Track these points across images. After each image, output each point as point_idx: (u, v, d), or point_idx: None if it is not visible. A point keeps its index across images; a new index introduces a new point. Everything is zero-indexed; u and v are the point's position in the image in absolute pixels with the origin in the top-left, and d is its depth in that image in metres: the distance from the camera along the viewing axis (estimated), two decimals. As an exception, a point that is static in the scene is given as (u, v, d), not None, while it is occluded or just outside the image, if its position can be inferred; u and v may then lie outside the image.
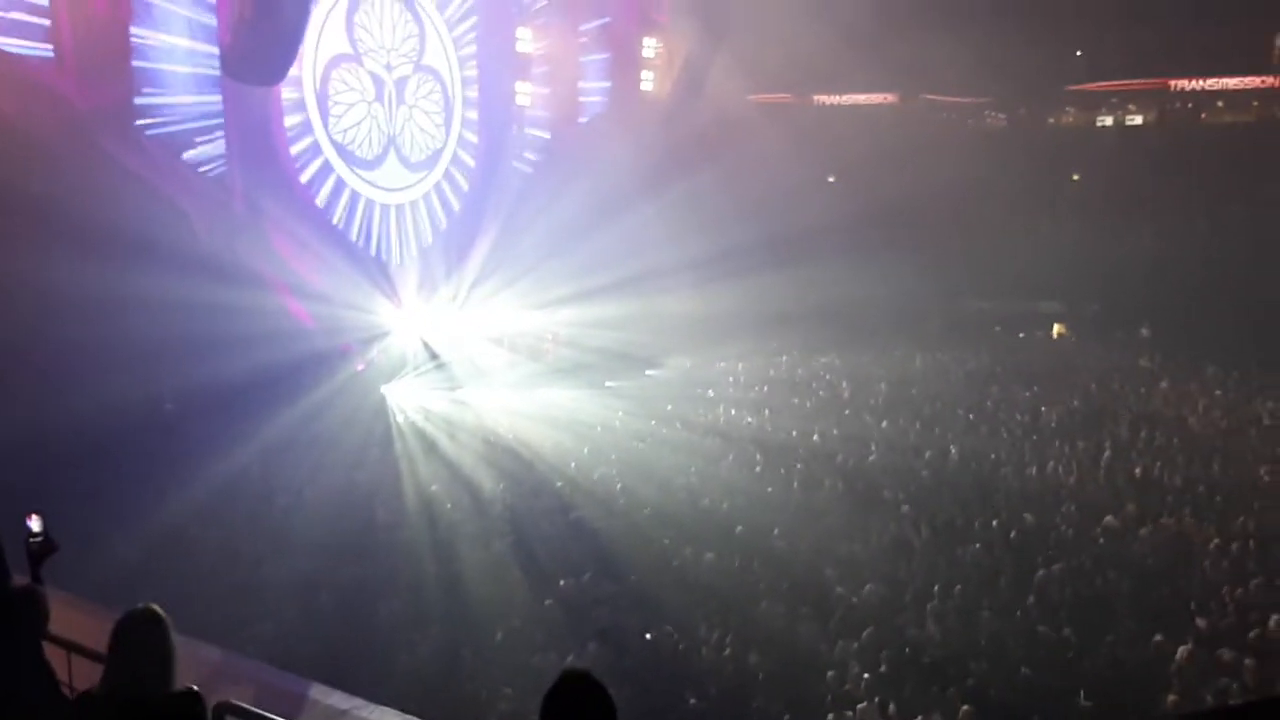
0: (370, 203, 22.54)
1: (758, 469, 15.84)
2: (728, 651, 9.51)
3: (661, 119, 28.52)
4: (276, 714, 4.33)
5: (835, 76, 34.26)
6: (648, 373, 24.35)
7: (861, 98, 36.85)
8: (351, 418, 18.10)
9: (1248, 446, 16.70)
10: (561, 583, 11.09)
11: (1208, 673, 8.82)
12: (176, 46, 17.93)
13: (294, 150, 20.65)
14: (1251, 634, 9.62)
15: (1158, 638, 9.38)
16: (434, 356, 22.42)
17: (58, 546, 4.31)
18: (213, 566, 10.74)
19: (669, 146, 26.71)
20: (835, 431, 18.06)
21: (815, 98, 36.43)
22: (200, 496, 12.72)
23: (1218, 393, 20.62)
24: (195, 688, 3.64)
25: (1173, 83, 34.53)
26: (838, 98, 36.96)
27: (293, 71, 19.58)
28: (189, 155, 18.20)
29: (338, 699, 6.53)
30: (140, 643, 3.53)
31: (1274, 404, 19.53)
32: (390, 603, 10.57)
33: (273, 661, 7.56)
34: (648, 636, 9.80)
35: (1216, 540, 12.07)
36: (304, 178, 20.90)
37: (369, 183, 22.47)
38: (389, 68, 22.54)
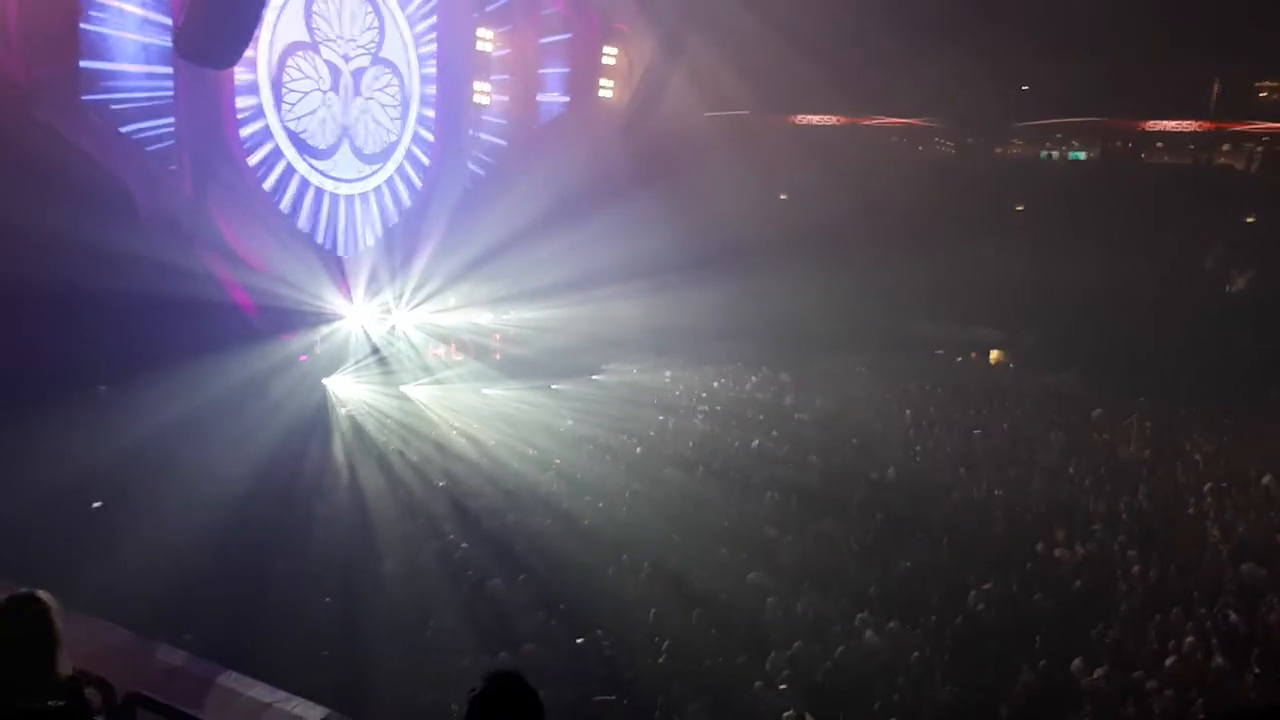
0: (321, 192, 22.24)
1: (698, 477, 15.93)
2: (662, 659, 9.55)
3: (618, 126, 28.60)
4: (195, 705, 4.26)
5: (791, 95, 34.66)
6: (594, 377, 24.35)
7: (815, 118, 37.35)
8: (292, 409, 17.84)
9: (1174, 477, 17.20)
10: (496, 581, 11.04)
11: (1123, 696, 9.08)
12: (126, 22, 17.54)
13: (245, 134, 20.29)
14: (1168, 660, 9.92)
15: (1077, 661, 9.63)
16: (378, 351, 22.18)
17: None
18: (139, 555, 10.47)
19: (624, 154, 26.80)
20: (777, 445, 18.23)
21: (771, 115, 36.80)
22: (131, 484, 12.44)
23: (1147, 423, 21.21)
24: (74, 674, 3.52)
25: (1115, 122, 35.60)
26: (793, 116, 37.40)
27: (247, 55, 19.24)
28: (136, 134, 17.79)
29: (260, 691, 6.43)
30: (21, 633, 3.41)
31: (1200, 436, 20.14)
32: (320, 597, 10.43)
33: (197, 652, 7.40)
34: (579, 641, 9.80)
35: (1139, 566, 12.43)
36: (253, 162, 20.54)
37: (321, 172, 22.17)
38: (346, 58, 22.29)
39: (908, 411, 21.19)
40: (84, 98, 16.85)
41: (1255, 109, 34.71)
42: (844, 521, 13.77)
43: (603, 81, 30.04)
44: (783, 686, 9.03)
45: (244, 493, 13.21)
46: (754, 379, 24.86)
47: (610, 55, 30.05)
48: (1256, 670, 9.69)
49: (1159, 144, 36.39)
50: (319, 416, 18.43)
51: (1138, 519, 14.63)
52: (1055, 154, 37.49)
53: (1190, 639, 10.32)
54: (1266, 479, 17.05)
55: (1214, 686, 9.41)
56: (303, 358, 20.50)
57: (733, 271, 25.68)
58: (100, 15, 17.12)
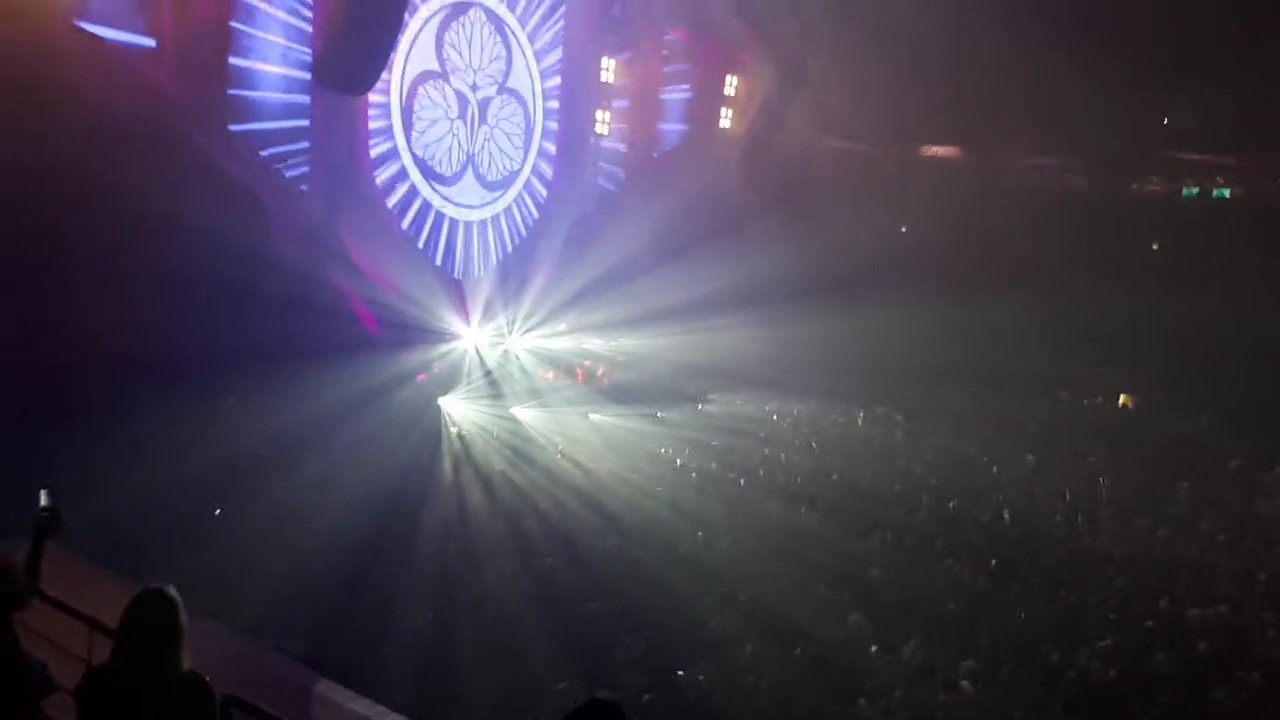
0: (443, 217, 22.95)
1: (802, 513, 15.66)
2: (756, 698, 9.38)
3: (736, 156, 28.61)
4: (291, 712, 4.38)
5: (914, 126, 34.02)
6: (699, 407, 24.26)
7: (939, 149, 36.53)
8: (408, 426, 18.35)
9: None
10: (593, 605, 11.07)
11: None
12: (272, 48, 18.53)
13: (375, 158, 21.16)
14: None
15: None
16: (490, 373, 22.65)
17: (62, 522, 4.39)
18: (254, 560, 10.89)
19: (741, 183, 26.77)
20: (886, 484, 17.77)
21: (893, 146, 36.21)
22: (254, 490, 12.97)
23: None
24: (205, 676, 3.70)
25: (1259, 158, 33.66)
26: (916, 147, 36.68)
27: (380, 83, 20.10)
28: (272, 154, 18.73)
29: (361, 705, 6.57)
30: (152, 622, 3.61)
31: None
32: (423, 610, 10.63)
33: (300, 659, 7.64)
34: (679, 673, 9.72)
35: (1275, 631, 11.61)
36: (382, 185, 21.38)
37: (445, 198, 22.89)
38: (474, 87, 23.01)
39: (1030, 456, 20.36)
40: (230, 126, 17.83)
41: None
42: (953, 566, 13.30)
43: (723, 111, 30.15)
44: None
45: (359, 503, 13.62)
46: (865, 414, 24.32)
47: (730, 85, 30.15)
48: None
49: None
50: (432, 433, 18.90)
51: (1277, 580, 13.67)
52: (1197, 190, 35.61)
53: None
54: None
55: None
56: (420, 376, 21.10)
57: (848, 304, 25.28)
58: (247, 44, 18.12)
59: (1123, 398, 28.26)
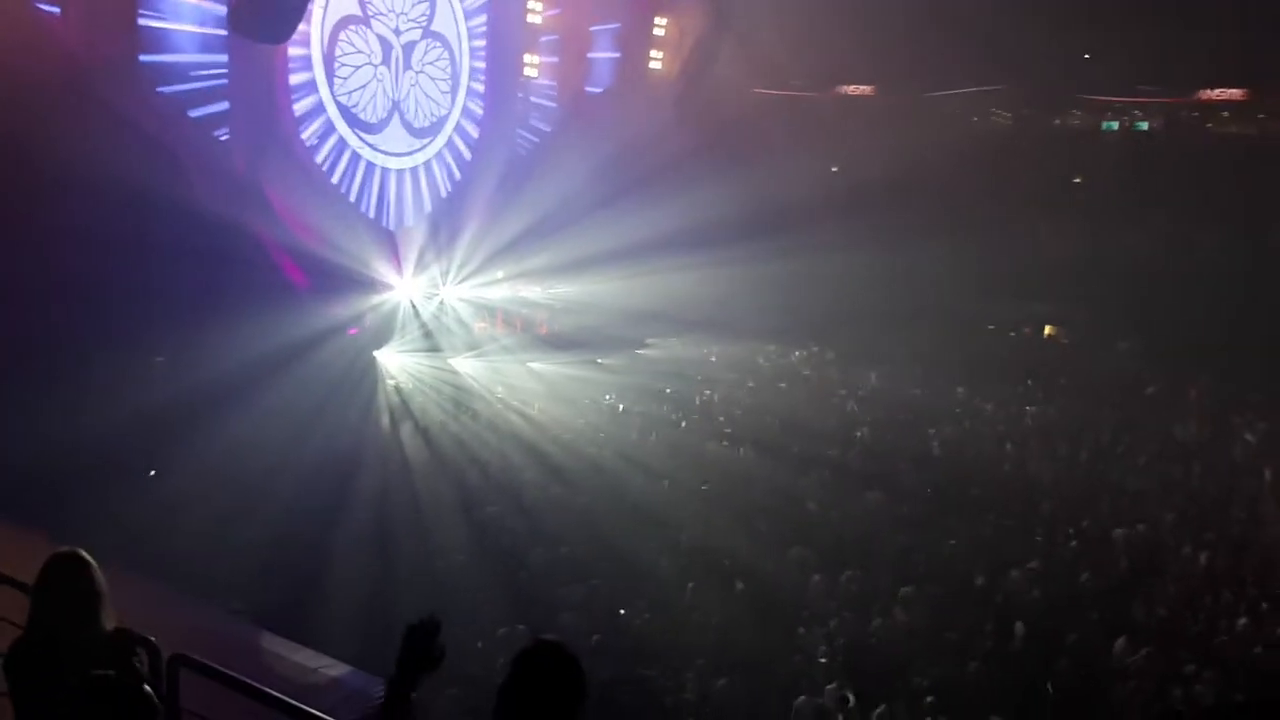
0: (372, 166, 22.46)
1: (742, 452, 15.95)
2: (699, 634, 9.61)
3: (667, 99, 28.40)
4: (240, 669, 4.41)
5: (844, 66, 34.06)
6: (639, 352, 24.41)
7: (868, 89, 36.66)
8: (341, 380, 18.16)
9: (1229, 457, 16.83)
10: (538, 553, 11.19)
11: (1166, 678, 8.96)
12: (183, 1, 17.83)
13: (297, 110, 20.55)
14: (1216, 641, 9.78)
15: (1120, 640, 9.51)
16: (427, 324, 22.45)
17: None
18: (189, 520, 10.78)
19: (673, 127, 26.62)
20: (822, 420, 18.15)
21: (823, 87, 36.25)
22: (182, 451, 12.77)
23: (1204, 402, 20.73)
24: (120, 628, 3.68)
25: (1180, 94, 34.45)
26: (846, 88, 36.77)
27: (299, 31, 19.46)
28: (191, 111, 18.11)
29: (304, 656, 6.62)
30: (66, 586, 3.59)
31: (1255, 417, 19.63)
32: (362, 565, 10.64)
33: (244, 617, 7.64)
34: (620, 613, 9.91)
35: (1190, 547, 12.21)
36: (305, 135, 20.80)
37: (371, 146, 22.39)
38: (397, 31, 22.41)
39: (959, 389, 20.93)
40: (143, 80, 17.15)
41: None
42: (889, 497, 13.70)
43: (652, 53, 29.82)
44: (822, 660, 9.06)
45: (293, 462, 13.50)
46: (801, 354, 24.73)
47: (660, 26, 29.79)
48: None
49: (1226, 114, 35.13)
50: (368, 388, 18.74)
51: (1190, 499, 14.36)
52: (1117, 125, 36.36)
53: (1243, 620, 10.16)
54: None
55: (1263, 669, 9.26)
56: (352, 330, 20.82)
57: (781, 246, 25.46)
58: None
59: (1048, 329, 29.14)
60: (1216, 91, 34.17)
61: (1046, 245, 28.12)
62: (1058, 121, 36.96)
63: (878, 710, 8.21)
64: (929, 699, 8.37)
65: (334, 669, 6.82)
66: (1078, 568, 11.42)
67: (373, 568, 10.60)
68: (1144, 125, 35.92)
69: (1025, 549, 11.91)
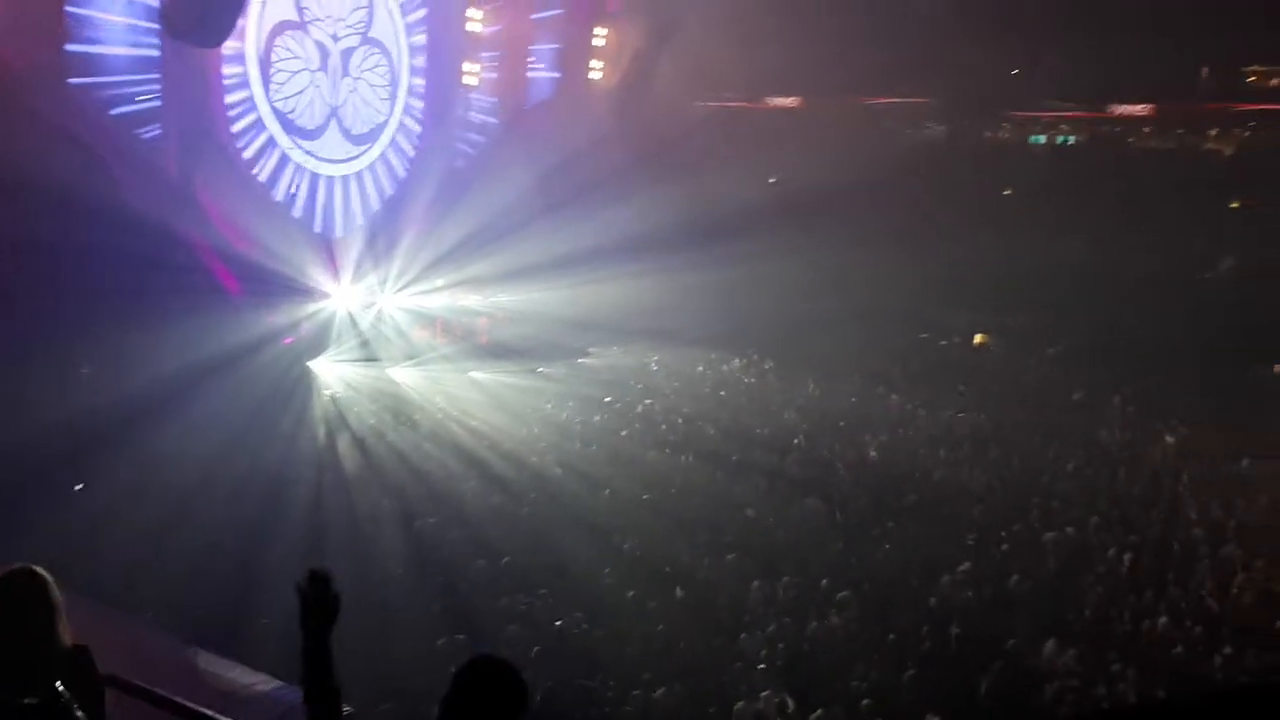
0: (308, 173, 22.18)
1: (682, 461, 16.05)
2: (639, 641, 9.66)
3: (608, 108, 28.52)
4: (169, 687, 4.34)
5: (782, 78, 34.52)
6: (580, 361, 24.41)
7: (801, 101, 37.23)
8: (275, 391, 17.85)
9: (1152, 460, 17.38)
10: (480, 564, 11.14)
11: (1093, 677, 9.24)
12: (113, 3, 17.43)
13: (231, 113, 20.23)
14: (1141, 641, 10.11)
15: (1050, 643, 9.77)
16: (365, 333, 22.18)
17: None
18: (120, 536, 10.53)
19: (614, 136, 26.73)
20: (761, 428, 18.35)
21: (762, 97, 36.71)
22: (110, 463, 12.46)
23: (1128, 407, 21.39)
24: (77, 645, 3.62)
25: (1105, 107, 35.62)
26: (783, 99, 37.26)
27: (235, 35, 19.16)
28: (122, 114, 17.71)
29: (239, 673, 6.51)
30: (22, 604, 3.51)
31: (1180, 420, 20.31)
32: (300, 578, 10.45)
33: (176, 633, 7.48)
34: (557, 624, 9.90)
35: (1114, 549, 12.59)
36: (239, 142, 20.48)
37: (308, 153, 22.11)
38: (335, 38, 22.17)
39: (893, 396, 21.32)
40: (70, 81, 16.73)
41: (1242, 93, 34.77)
42: (826, 503, 13.90)
43: (592, 63, 29.92)
44: (761, 666, 9.15)
45: (225, 474, 13.25)
46: (739, 363, 24.95)
47: (600, 36, 29.91)
48: (1227, 650, 9.85)
49: (1146, 129, 36.42)
50: (303, 399, 18.45)
51: (1115, 502, 14.80)
52: (1044, 138, 37.48)
53: (1164, 620, 10.50)
54: (1245, 462, 17.27)
55: (1184, 667, 9.58)
56: (287, 339, 20.50)
57: (720, 255, 25.68)
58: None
59: (978, 337, 29.81)
60: (1138, 106, 35.37)
61: (977, 255, 28.76)
62: (987, 134, 37.95)
63: (815, 714, 8.32)
64: (865, 702, 8.51)
65: (267, 684, 6.71)
66: (1009, 570, 11.69)
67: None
68: (1069, 138, 37.07)
69: (958, 553, 12.16)
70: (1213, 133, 35.66)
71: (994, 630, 10.08)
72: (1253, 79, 35.30)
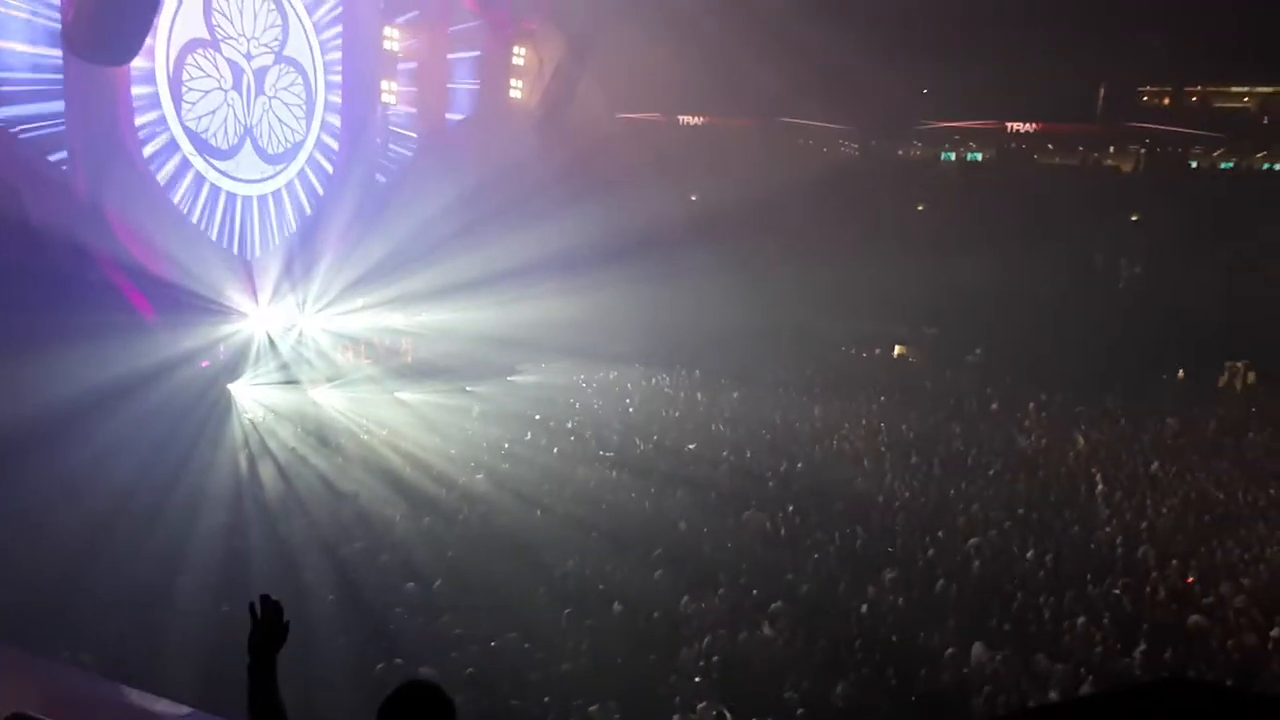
0: (224, 193, 21.67)
1: (612, 477, 16.05)
2: (575, 660, 9.60)
3: (528, 127, 28.56)
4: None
5: (702, 97, 35.01)
6: (509, 379, 24.28)
7: (724, 120, 37.82)
8: (194, 417, 17.37)
9: (1066, 464, 17.98)
10: (410, 587, 10.96)
11: (1019, 677, 9.48)
12: (12, 25, 16.85)
13: (141, 133, 19.67)
14: (1064, 639, 10.41)
15: (978, 646, 10.01)
16: (285, 355, 21.71)
17: None
18: (26, 566, 10.09)
19: (535, 155, 26.76)
20: (689, 442, 18.46)
21: (681, 116, 37.15)
22: (16, 490, 11.95)
23: (1042, 414, 22.12)
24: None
25: (1010, 125, 36.94)
26: (703, 117, 37.78)
27: (144, 53, 18.68)
28: (29, 138, 17.10)
29: (164, 705, 6.28)
30: None
31: (1091, 425, 21.10)
32: (229, 611, 10.17)
33: (93, 668, 7.19)
34: (493, 644, 9.79)
35: (1034, 552, 12.98)
36: (151, 162, 19.93)
37: (222, 172, 21.61)
38: (249, 56, 21.76)
39: (817, 408, 21.67)
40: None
41: (1138, 112, 36.47)
42: (754, 516, 14.03)
43: (512, 81, 29.95)
44: (696, 679, 9.18)
45: (141, 502, 12.83)
46: (669, 378, 25.11)
47: (519, 55, 29.97)
48: (1144, 646, 10.20)
49: (1050, 146, 37.89)
50: (222, 423, 17.96)
51: (1033, 506, 15.26)
52: (954, 155, 38.72)
53: (1082, 619, 10.83)
54: (1154, 465, 18.00)
55: (1104, 663, 9.89)
56: (204, 363, 19.96)
57: (645, 271, 25.88)
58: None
59: (898, 349, 30.56)
60: (1042, 125, 36.76)
61: (893, 269, 29.49)
62: (900, 152, 39.03)
63: (751, 726, 8.37)
64: (799, 711, 8.59)
65: (190, 716, 6.49)
66: (934, 576, 11.94)
67: (229, 610, 10.14)
68: (978, 155, 38.35)
69: (885, 560, 12.39)
70: (1111, 149, 37.29)
71: (922, 635, 10.28)
72: (1147, 98, 37.05)
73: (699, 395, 23.06)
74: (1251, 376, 27.71)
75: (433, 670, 9.06)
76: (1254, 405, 24.45)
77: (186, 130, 20.54)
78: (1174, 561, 12.74)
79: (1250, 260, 29.99)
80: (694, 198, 33.71)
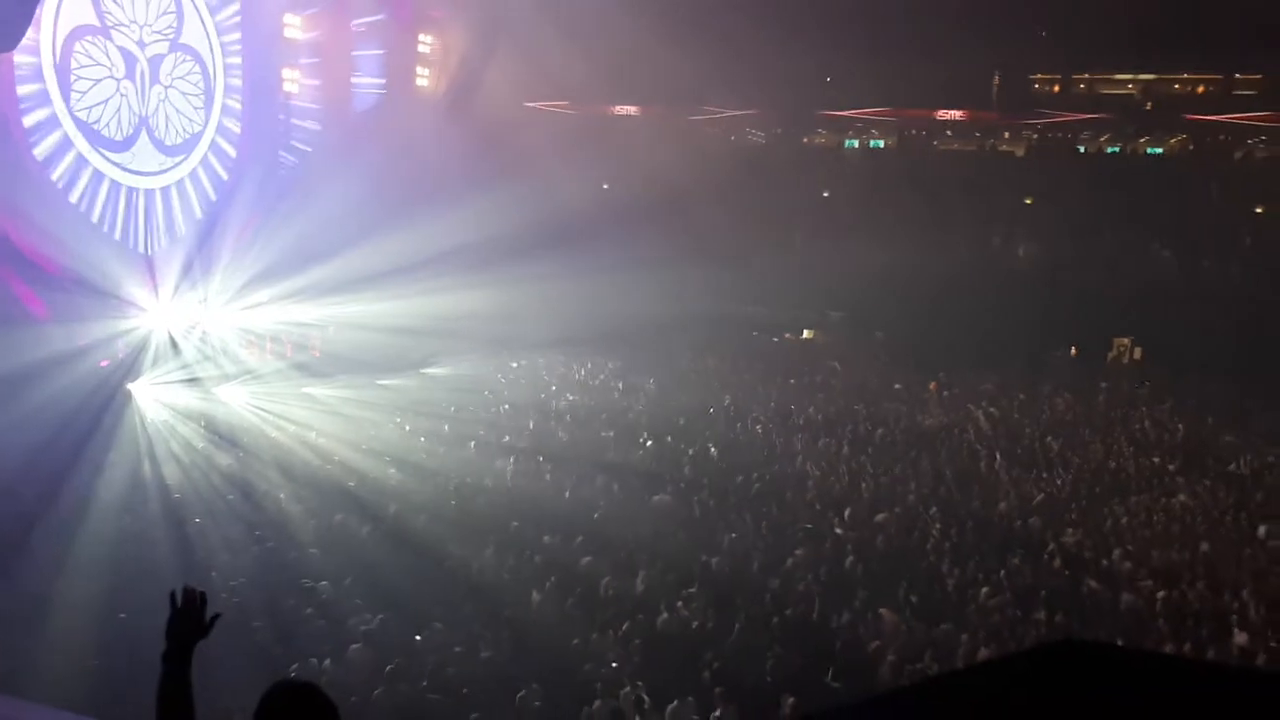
0: (120, 186, 20.90)
1: (531, 466, 16.09)
2: (495, 649, 9.66)
3: (436, 115, 28.24)
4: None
5: (610, 85, 35.07)
6: (423, 371, 24.05)
7: (632, 109, 37.99)
8: (93, 418, 16.80)
9: (967, 441, 18.68)
10: (323, 584, 10.85)
11: (926, 646, 9.90)
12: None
13: (28, 125, 18.86)
14: (968, 609, 10.88)
15: (887, 616, 10.39)
16: (189, 352, 21.10)
17: None
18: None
19: (444, 144, 26.48)
20: (607, 430, 18.60)
21: (591, 105, 37.15)
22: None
23: (944, 392, 22.91)
24: None
25: (909, 112, 37.97)
26: (612, 106, 37.87)
27: (28, 39, 17.88)
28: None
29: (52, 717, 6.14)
30: None
31: (989, 402, 21.95)
32: (138, 619, 9.92)
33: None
34: (417, 638, 9.78)
35: (939, 525, 13.50)
36: (39, 155, 19.11)
37: (117, 165, 20.83)
38: (142, 44, 21.00)
39: (726, 394, 22.03)
40: None
41: (1031, 99, 37.89)
42: (671, 500, 14.26)
43: (418, 69, 29.54)
44: (614, 665, 9.33)
45: (41, 507, 12.40)
46: (585, 368, 25.21)
47: (425, 43, 29.58)
48: (1042, 614, 10.73)
49: (949, 132, 39.07)
50: (121, 424, 17.41)
51: (938, 480, 15.84)
52: (857, 143, 39.61)
53: (985, 589, 11.33)
54: (1048, 439, 18.83)
55: (1005, 630, 10.37)
56: (103, 362, 19.29)
57: (558, 261, 25.88)
58: None
59: (807, 333, 31.23)
60: (940, 112, 37.86)
61: (801, 256, 30.10)
62: (805, 140, 39.75)
63: (671, 706, 8.55)
64: (718, 690, 8.81)
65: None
66: (844, 552, 12.33)
67: (131, 616, 9.88)
68: (880, 143, 39.30)
69: (798, 538, 12.74)
70: (1006, 135, 38.64)
71: (834, 609, 10.61)
72: (1038, 86, 38.48)
73: (616, 383, 23.22)
74: (1138, 352, 29.17)
75: (350, 669, 9.03)
76: (1140, 379, 25.76)
77: (77, 121, 19.76)
78: (1068, 530, 13.39)
79: (1135, 240, 31.51)
80: (606, 186, 33.79)
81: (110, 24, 20.23)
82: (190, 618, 3.05)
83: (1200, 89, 37.47)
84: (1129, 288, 28.33)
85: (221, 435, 17.64)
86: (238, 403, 19.73)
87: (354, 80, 27.43)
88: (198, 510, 13.53)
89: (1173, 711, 2.12)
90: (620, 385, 23.00)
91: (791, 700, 8.43)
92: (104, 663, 8.70)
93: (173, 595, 3.06)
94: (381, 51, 27.86)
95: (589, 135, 34.12)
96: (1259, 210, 33.03)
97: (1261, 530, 13.72)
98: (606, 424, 19.07)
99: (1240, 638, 10.04)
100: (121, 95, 20.65)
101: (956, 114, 37.63)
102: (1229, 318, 25.41)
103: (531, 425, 18.97)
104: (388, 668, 8.96)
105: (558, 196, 27.29)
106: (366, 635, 9.75)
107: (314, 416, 18.98)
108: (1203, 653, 9.67)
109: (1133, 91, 38.06)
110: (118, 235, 20.89)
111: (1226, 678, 2.89)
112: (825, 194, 35.72)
